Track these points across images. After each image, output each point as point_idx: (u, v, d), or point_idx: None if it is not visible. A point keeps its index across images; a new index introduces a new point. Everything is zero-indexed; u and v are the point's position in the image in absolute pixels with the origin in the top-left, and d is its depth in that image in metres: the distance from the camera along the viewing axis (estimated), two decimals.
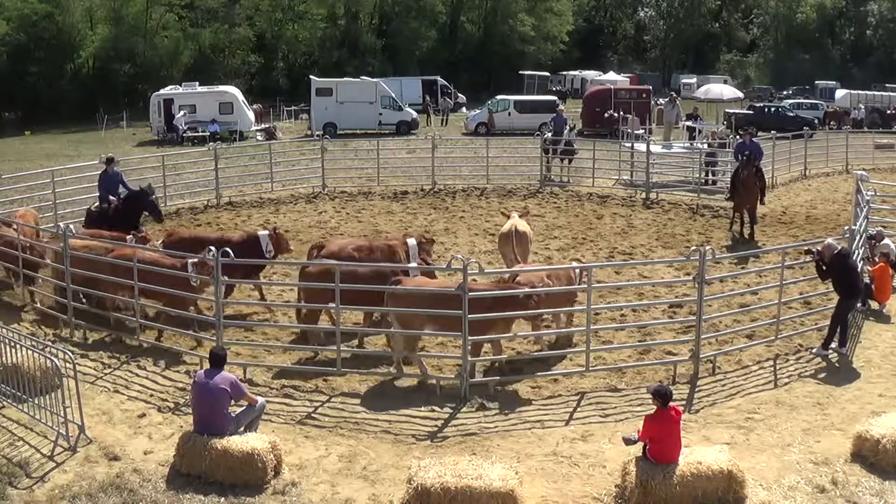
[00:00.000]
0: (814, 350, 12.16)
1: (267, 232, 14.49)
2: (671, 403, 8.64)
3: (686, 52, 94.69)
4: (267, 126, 44.10)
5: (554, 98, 46.48)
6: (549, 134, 26.53)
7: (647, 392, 9.13)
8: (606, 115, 40.33)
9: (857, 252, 13.19)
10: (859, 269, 12.90)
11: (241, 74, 65.16)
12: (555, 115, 29.25)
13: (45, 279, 14.53)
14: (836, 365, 11.82)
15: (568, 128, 27.22)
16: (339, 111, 42.18)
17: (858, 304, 13.71)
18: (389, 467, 9.18)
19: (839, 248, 12.07)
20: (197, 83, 45.66)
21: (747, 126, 22.28)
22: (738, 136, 26.22)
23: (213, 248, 11.54)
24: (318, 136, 36.39)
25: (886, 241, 15.05)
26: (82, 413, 9.64)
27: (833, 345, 12.08)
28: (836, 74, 75.87)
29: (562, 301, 12.07)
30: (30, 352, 10.01)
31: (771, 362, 11.94)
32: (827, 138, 31.03)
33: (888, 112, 47.57)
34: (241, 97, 43.77)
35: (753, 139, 20.03)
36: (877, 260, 14.27)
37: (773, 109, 45.98)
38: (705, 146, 25.63)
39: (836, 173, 27.84)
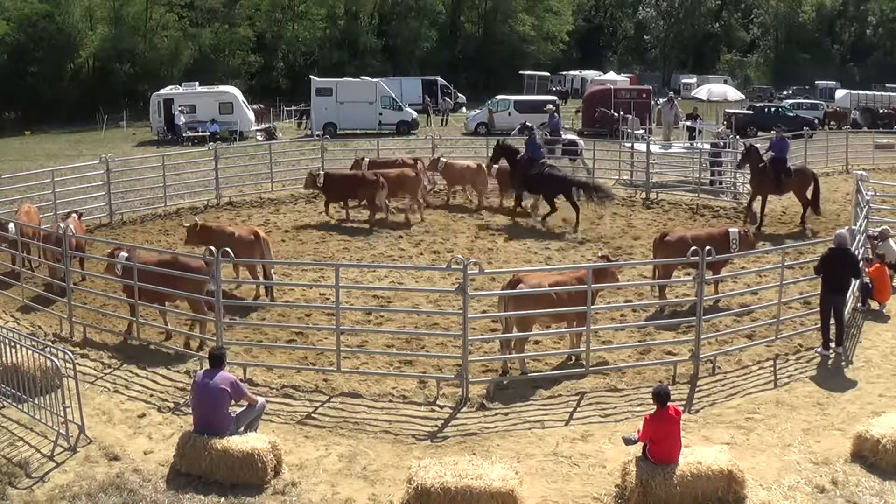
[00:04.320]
0: (816, 350, 12.15)
1: (738, 229, 14.90)
2: (670, 403, 8.64)
3: (686, 52, 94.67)
4: (267, 126, 44.12)
5: (554, 98, 46.52)
6: (548, 132, 26.54)
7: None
8: (599, 112, 40.47)
9: (857, 252, 13.19)
10: (859, 269, 12.87)
11: (241, 74, 65.16)
12: (549, 115, 29.20)
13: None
14: (837, 365, 11.82)
15: (539, 130, 27.07)
16: (339, 111, 42.20)
17: (859, 304, 13.74)
18: (389, 467, 9.18)
19: (847, 240, 12.10)
20: (197, 83, 45.69)
21: (778, 125, 24.60)
22: (736, 137, 26.55)
23: None
24: (318, 136, 36.41)
25: (889, 241, 15.04)
26: (82, 413, 9.64)
27: (831, 344, 12.08)
28: (836, 74, 75.92)
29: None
30: (30, 352, 10.01)
31: (771, 362, 11.93)
32: (827, 138, 31.02)
33: (881, 112, 47.54)
34: (241, 97, 43.79)
35: (784, 137, 21.00)
36: (871, 259, 14.28)
37: (772, 109, 45.97)
38: (708, 146, 25.62)
39: (836, 173, 27.83)
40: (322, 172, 21.19)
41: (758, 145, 21.87)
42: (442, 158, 22.98)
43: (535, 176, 20.35)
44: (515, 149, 21.66)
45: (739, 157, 21.26)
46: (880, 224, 16.55)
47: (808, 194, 20.17)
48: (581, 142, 27.35)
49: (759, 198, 20.24)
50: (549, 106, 32.01)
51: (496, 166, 21.83)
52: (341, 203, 21.26)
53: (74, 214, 16.29)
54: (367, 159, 23.00)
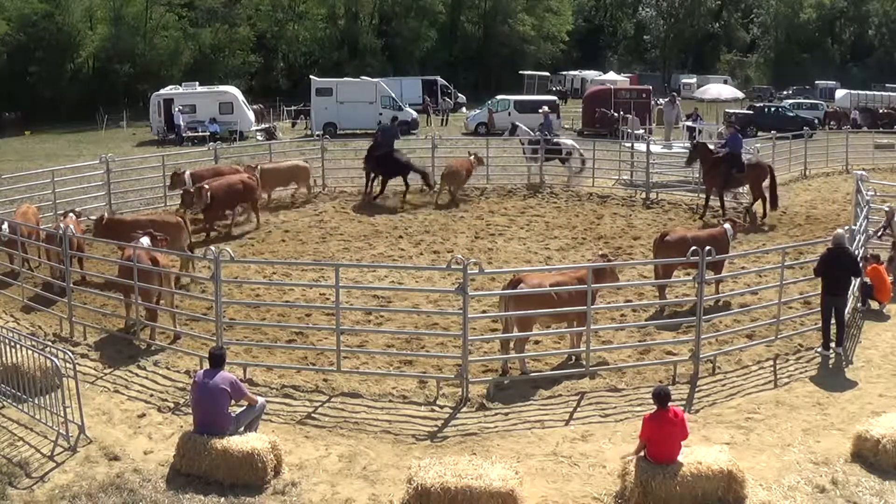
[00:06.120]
0: (816, 350, 12.15)
1: (728, 225, 15.20)
2: (671, 405, 8.64)
3: (686, 52, 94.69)
4: (267, 126, 44.12)
5: (554, 98, 46.49)
6: (547, 133, 26.49)
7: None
8: (599, 112, 40.48)
9: (857, 252, 13.20)
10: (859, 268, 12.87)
11: (241, 74, 65.16)
12: (543, 117, 29.08)
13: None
14: (837, 365, 11.83)
15: (522, 126, 27.00)
16: (339, 111, 42.22)
17: (859, 304, 13.74)
18: (389, 467, 9.18)
19: (845, 240, 12.12)
20: (197, 83, 45.68)
21: (731, 120, 25.13)
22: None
23: None
24: (317, 136, 36.41)
25: None
26: (82, 413, 9.64)
27: (832, 344, 12.08)
28: (836, 74, 75.96)
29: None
30: (30, 352, 10.02)
31: (771, 362, 11.94)
32: (827, 138, 31.02)
33: (881, 112, 47.55)
34: (241, 97, 43.79)
35: (737, 133, 22.08)
36: (868, 259, 14.29)
37: (772, 109, 45.97)
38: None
39: (836, 173, 27.84)
40: (206, 187, 19.00)
41: (710, 143, 23.05)
42: (260, 165, 22.67)
43: (380, 157, 22.98)
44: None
45: (687, 155, 22.35)
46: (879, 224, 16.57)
47: (765, 188, 20.65)
48: (570, 142, 26.97)
49: (714, 192, 21.06)
50: (544, 108, 31.79)
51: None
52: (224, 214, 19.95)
53: (72, 214, 16.29)
54: (187, 172, 21.05)
